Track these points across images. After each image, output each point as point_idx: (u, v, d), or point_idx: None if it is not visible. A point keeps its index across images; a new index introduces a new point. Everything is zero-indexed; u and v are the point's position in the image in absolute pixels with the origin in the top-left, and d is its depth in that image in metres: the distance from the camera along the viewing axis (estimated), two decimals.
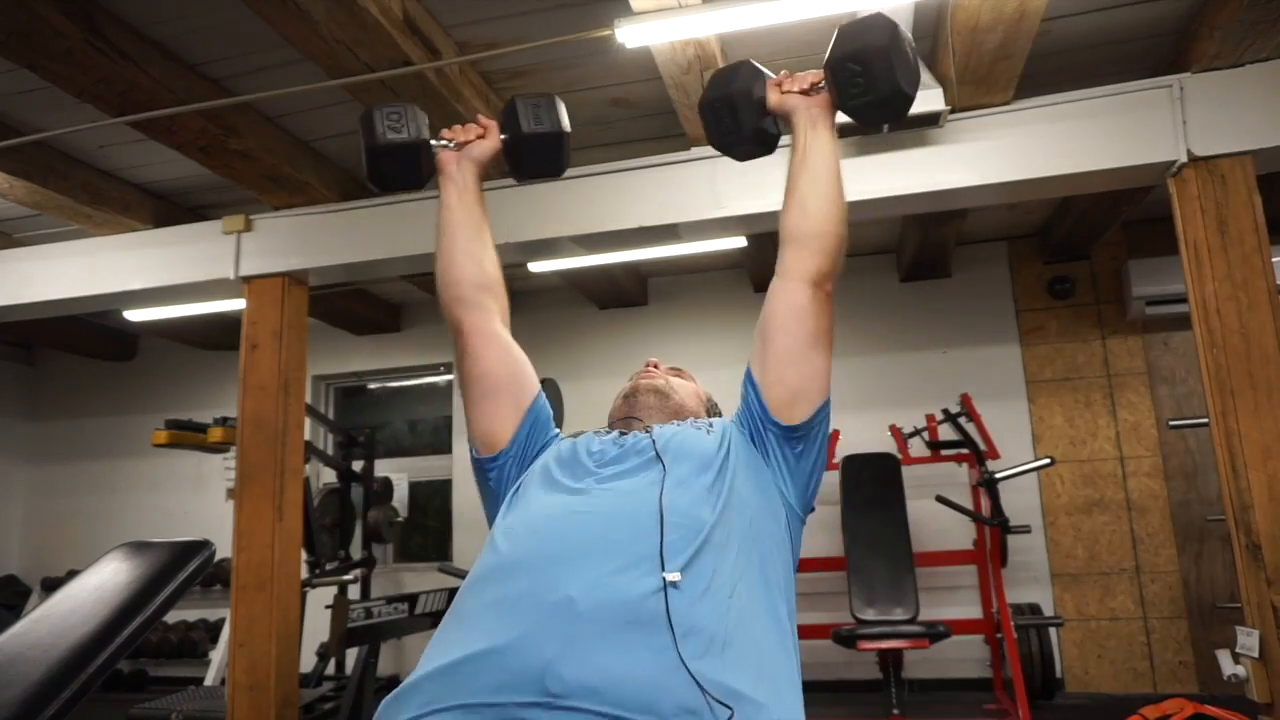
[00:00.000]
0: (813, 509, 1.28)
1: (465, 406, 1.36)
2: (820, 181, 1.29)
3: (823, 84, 1.35)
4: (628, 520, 1.07)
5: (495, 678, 0.86)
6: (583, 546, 1.02)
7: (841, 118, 1.38)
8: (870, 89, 1.29)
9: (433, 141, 1.46)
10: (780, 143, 1.43)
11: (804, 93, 1.36)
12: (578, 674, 0.84)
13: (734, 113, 1.40)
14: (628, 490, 1.15)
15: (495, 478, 1.32)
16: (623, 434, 1.31)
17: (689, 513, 1.07)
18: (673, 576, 0.95)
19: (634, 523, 1.06)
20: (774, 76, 1.41)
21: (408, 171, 1.46)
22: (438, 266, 1.41)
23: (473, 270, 1.39)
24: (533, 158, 1.50)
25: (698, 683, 0.84)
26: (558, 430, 1.39)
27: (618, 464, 1.23)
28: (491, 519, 1.29)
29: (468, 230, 1.41)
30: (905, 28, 1.32)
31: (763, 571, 1.08)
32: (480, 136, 1.48)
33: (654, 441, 1.24)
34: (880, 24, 1.30)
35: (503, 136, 1.49)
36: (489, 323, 1.37)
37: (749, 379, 1.27)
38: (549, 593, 0.95)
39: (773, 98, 1.38)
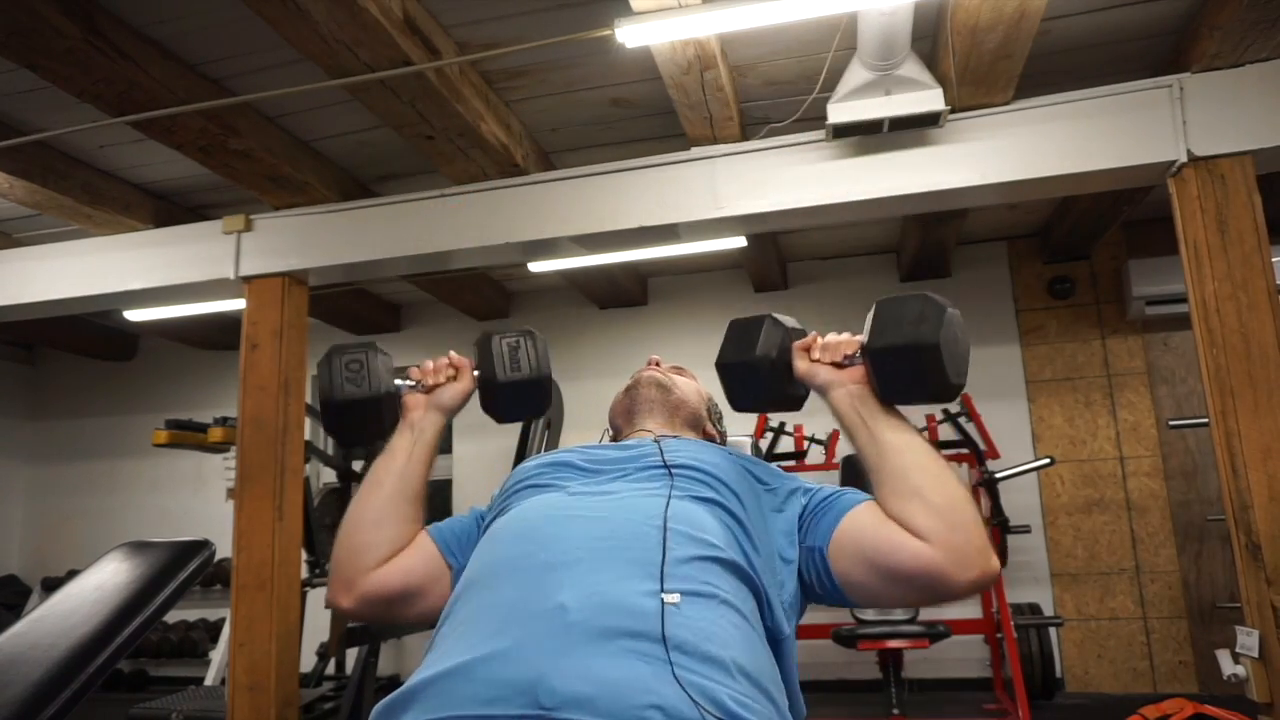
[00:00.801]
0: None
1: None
2: (931, 477, 1.09)
3: (857, 357, 1.20)
4: (627, 527, 1.04)
5: (487, 690, 0.84)
6: (576, 552, 1.00)
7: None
8: (915, 389, 1.16)
9: (398, 382, 1.33)
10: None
11: (836, 364, 1.22)
12: (569, 685, 0.82)
13: (755, 379, 1.27)
14: (629, 496, 1.13)
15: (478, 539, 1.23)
16: (626, 442, 1.29)
17: (693, 526, 1.05)
18: (671, 599, 0.93)
19: (633, 531, 1.04)
20: (800, 335, 1.28)
21: (370, 425, 1.31)
22: (343, 528, 1.24)
23: (380, 549, 1.21)
24: (508, 403, 1.36)
25: (691, 697, 0.82)
26: (487, 508, 1.29)
27: (619, 468, 1.21)
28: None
29: (398, 497, 1.25)
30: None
31: (759, 600, 1.06)
32: (452, 378, 1.36)
33: (661, 451, 1.22)
34: (932, 315, 1.12)
35: (475, 373, 1.36)
36: (391, 579, 1.20)
37: (823, 556, 1.13)
38: (540, 600, 0.93)
39: (800, 365, 1.25)
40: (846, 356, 1.21)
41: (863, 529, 1.11)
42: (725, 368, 1.30)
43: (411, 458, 1.29)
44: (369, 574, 1.20)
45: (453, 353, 1.39)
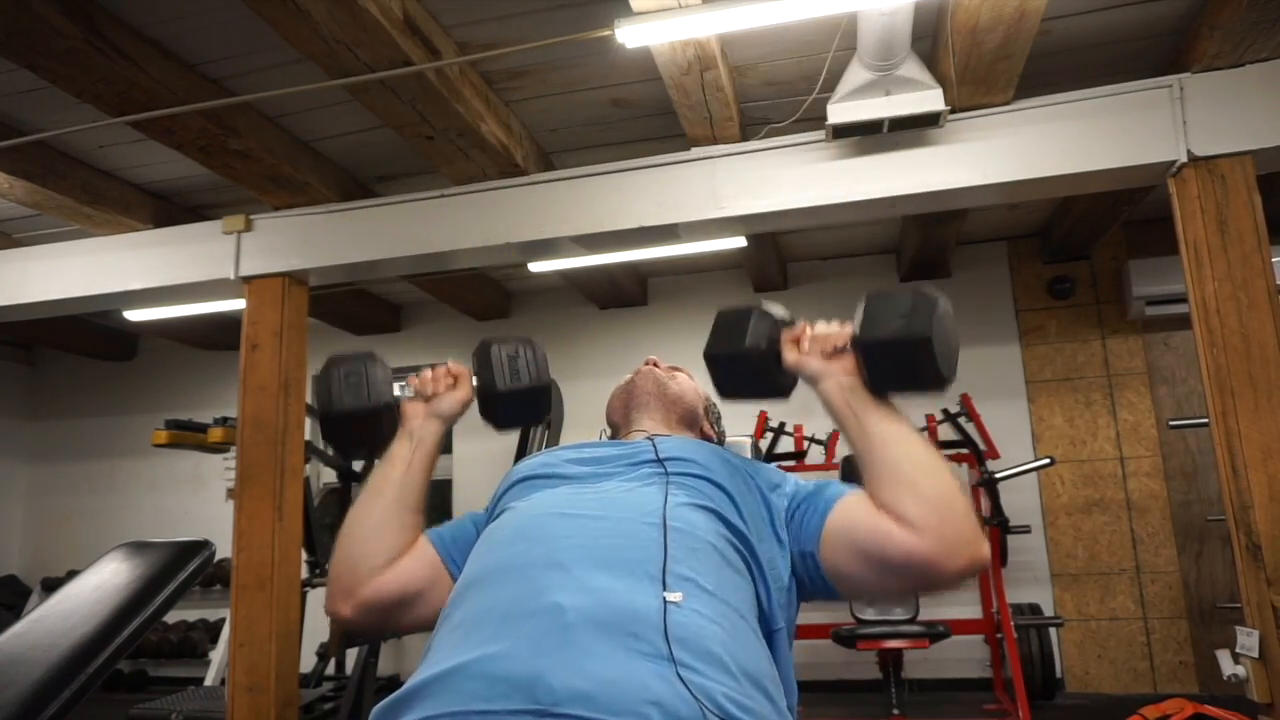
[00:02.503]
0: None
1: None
2: (922, 468, 1.09)
3: (847, 348, 1.19)
4: (625, 526, 1.05)
5: (486, 687, 0.84)
6: (573, 551, 1.00)
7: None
8: (905, 381, 1.15)
9: (397, 391, 1.33)
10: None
11: (826, 355, 1.21)
12: (567, 682, 0.82)
13: (744, 370, 1.26)
14: (625, 494, 1.13)
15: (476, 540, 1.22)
16: (622, 441, 1.29)
17: (692, 523, 1.05)
18: (674, 597, 0.93)
19: (632, 530, 1.04)
20: (789, 326, 1.27)
21: (369, 434, 1.31)
22: (341, 539, 1.23)
23: (377, 558, 1.21)
24: (507, 411, 1.35)
25: (693, 694, 0.82)
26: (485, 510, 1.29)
27: (614, 466, 1.21)
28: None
29: (397, 505, 1.24)
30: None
31: (756, 595, 1.06)
32: (451, 387, 1.34)
33: (656, 449, 1.22)
34: (923, 307, 1.12)
35: (474, 381, 1.34)
36: (392, 588, 1.20)
37: (815, 557, 1.13)
38: (536, 600, 0.93)
39: (789, 356, 1.24)
40: (836, 347, 1.20)
41: (853, 521, 1.11)
42: (713, 359, 1.29)
43: (411, 466, 1.28)
44: (368, 582, 1.20)
45: (451, 362, 1.38)
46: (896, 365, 1.13)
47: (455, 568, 1.20)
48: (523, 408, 1.36)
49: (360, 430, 1.31)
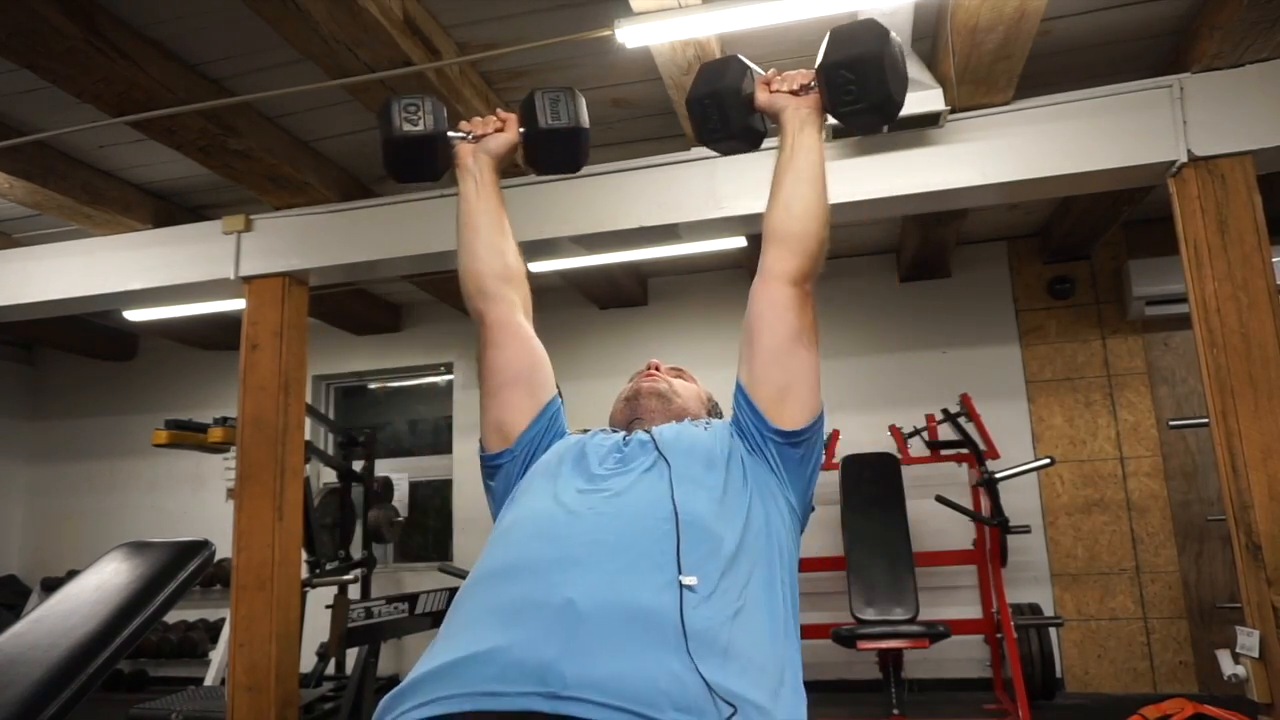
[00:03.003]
0: (813, 509, 1.28)
1: (482, 398, 1.36)
2: (804, 183, 1.29)
3: (813, 84, 1.34)
4: (635, 522, 1.06)
5: (497, 671, 0.86)
6: (585, 548, 1.01)
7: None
8: (862, 96, 1.29)
9: (450, 133, 1.45)
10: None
11: (793, 93, 1.36)
12: (579, 671, 0.83)
13: (721, 109, 1.39)
14: (634, 492, 1.14)
15: (503, 475, 1.31)
16: (626, 437, 1.30)
17: (701, 515, 1.06)
18: (689, 580, 0.95)
19: (642, 524, 1.05)
20: (762, 74, 1.41)
21: (424, 164, 1.46)
22: (460, 260, 1.42)
23: (495, 263, 1.40)
24: (549, 153, 1.49)
25: (705, 681, 0.84)
26: (569, 433, 1.39)
27: (622, 466, 1.22)
28: (495, 517, 1.28)
29: (488, 222, 1.42)
30: (901, 32, 1.35)
31: (769, 577, 1.07)
32: (498, 130, 1.48)
33: (655, 441, 1.23)
34: (874, 31, 1.29)
35: (521, 129, 1.48)
36: (512, 314, 1.38)
37: (739, 388, 1.26)
38: (549, 596, 0.94)
39: (761, 96, 1.38)
40: (803, 85, 1.35)
41: (744, 342, 1.28)
42: (694, 101, 1.41)
43: (481, 193, 1.44)
44: (499, 283, 1.40)
45: (499, 109, 1.52)
46: (853, 83, 1.28)
47: (549, 385, 1.38)
48: (562, 149, 1.48)
49: (417, 155, 1.44)
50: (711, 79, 1.40)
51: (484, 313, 1.38)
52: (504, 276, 1.40)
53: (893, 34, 1.30)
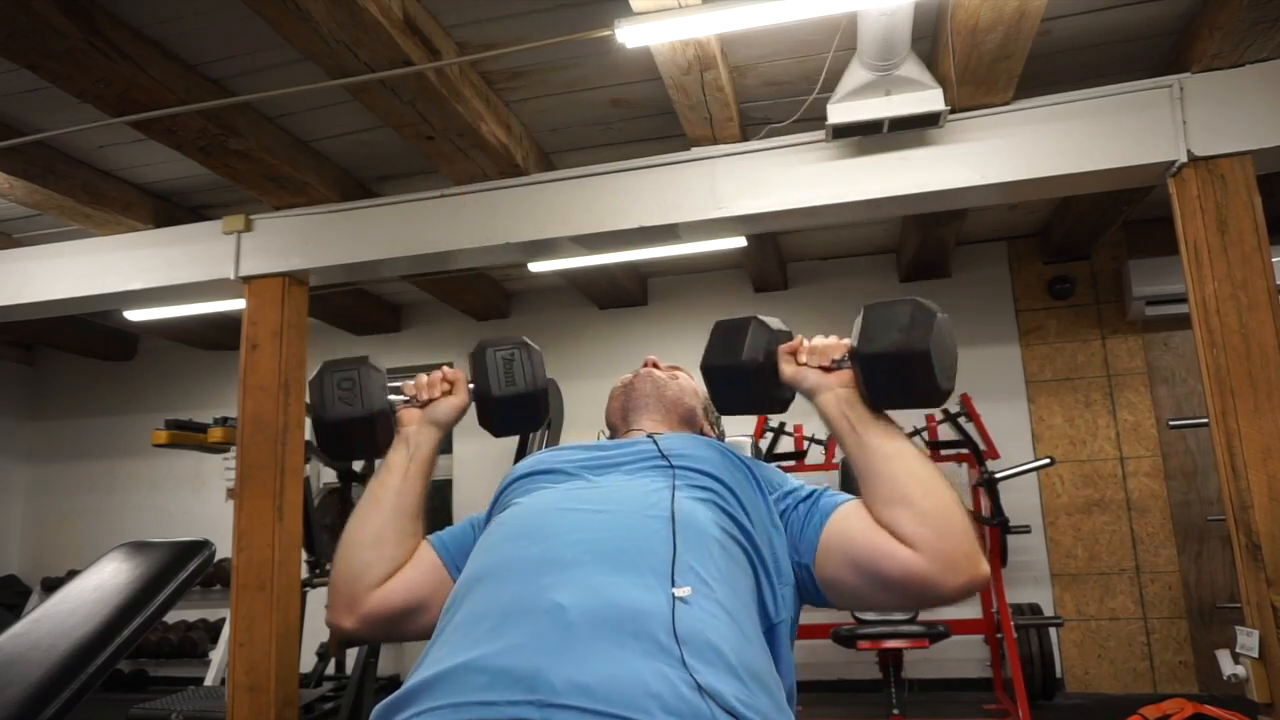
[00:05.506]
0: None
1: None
2: (920, 484, 1.08)
3: (845, 361, 1.18)
4: (630, 522, 1.05)
5: (486, 680, 0.85)
6: (575, 549, 1.00)
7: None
8: (905, 395, 1.15)
9: (392, 397, 1.32)
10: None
11: (824, 369, 1.20)
12: (568, 676, 0.82)
13: (742, 382, 1.25)
14: (629, 491, 1.13)
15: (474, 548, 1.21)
16: (611, 438, 1.29)
17: (696, 518, 1.05)
18: (682, 591, 0.93)
19: (635, 523, 1.04)
20: (785, 338, 1.26)
21: (362, 444, 1.31)
22: (341, 552, 1.22)
23: (377, 568, 1.20)
24: (503, 418, 1.34)
25: (697, 683, 0.83)
26: (483, 514, 1.28)
27: (616, 464, 1.21)
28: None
29: (395, 511, 1.23)
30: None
31: (760, 591, 1.07)
32: (445, 394, 1.33)
33: (658, 446, 1.22)
34: (922, 320, 1.11)
35: (471, 385, 1.33)
36: (390, 598, 1.19)
37: (810, 570, 1.12)
38: (538, 599, 0.93)
39: (787, 369, 1.23)
40: (834, 360, 1.19)
41: (850, 534, 1.09)
42: (711, 370, 1.28)
43: (408, 475, 1.26)
44: (371, 593, 1.19)
45: (446, 367, 1.36)
46: (895, 379, 1.13)
47: (457, 573, 1.18)
48: (519, 412, 1.34)
49: (354, 437, 1.30)
50: (728, 349, 1.26)
51: (362, 625, 1.19)
52: (385, 579, 1.19)
53: (939, 315, 1.13)
